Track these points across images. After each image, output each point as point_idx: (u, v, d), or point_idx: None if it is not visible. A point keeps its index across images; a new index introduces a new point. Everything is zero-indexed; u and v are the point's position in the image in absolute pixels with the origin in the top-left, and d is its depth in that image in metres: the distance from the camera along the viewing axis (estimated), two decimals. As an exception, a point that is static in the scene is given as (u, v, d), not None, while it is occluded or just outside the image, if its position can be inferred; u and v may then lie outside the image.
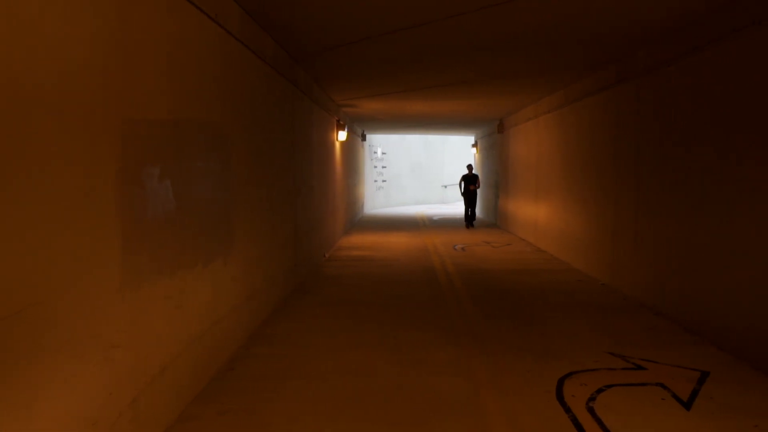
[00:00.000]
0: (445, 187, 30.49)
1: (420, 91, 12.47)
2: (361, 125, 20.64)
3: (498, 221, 19.69)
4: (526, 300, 8.52)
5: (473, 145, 24.07)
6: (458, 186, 19.74)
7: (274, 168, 8.01)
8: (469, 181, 18.99)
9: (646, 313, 7.67)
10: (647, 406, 4.70)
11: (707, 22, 6.36)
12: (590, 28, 7.06)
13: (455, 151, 29.96)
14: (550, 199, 12.97)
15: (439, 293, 8.96)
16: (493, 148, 20.37)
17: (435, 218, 22.43)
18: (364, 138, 22.58)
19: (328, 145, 13.45)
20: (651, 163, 7.90)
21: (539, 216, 13.93)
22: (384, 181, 28.27)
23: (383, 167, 28.13)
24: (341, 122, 14.56)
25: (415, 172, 30.39)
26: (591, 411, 4.58)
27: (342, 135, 14.59)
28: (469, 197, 19.04)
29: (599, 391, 5.00)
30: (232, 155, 6.11)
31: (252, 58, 6.85)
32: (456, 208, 26.40)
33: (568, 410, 4.61)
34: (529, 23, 6.91)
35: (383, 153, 28.05)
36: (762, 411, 4.63)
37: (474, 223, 19.26)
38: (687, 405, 4.73)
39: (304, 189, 10.23)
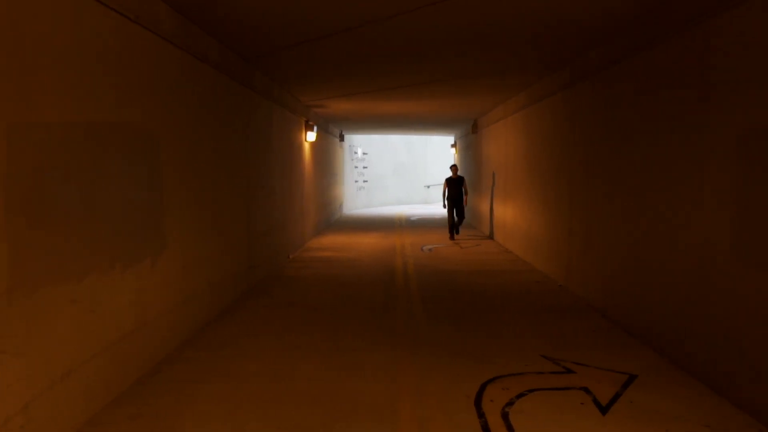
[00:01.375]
0: (428, 187, 30.46)
1: (387, 91, 12.42)
2: (338, 126, 20.57)
3: (473, 222, 19.65)
4: (478, 302, 8.48)
5: (452, 146, 24.03)
6: (442, 192, 16.29)
7: (222, 170, 7.94)
8: (455, 185, 15.92)
9: (594, 315, 7.64)
10: (564, 411, 4.66)
11: (637, 26, 6.33)
12: (535, 27, 7.01)
13: (438, 152, 29.92)
14: (516, 200, 12.94)
15: (392, 295, 8.91)
16: (470, 148, 20.33)
17: (413, 219, 22.38)
18: (342, 138, 22.52)
19: (295, 146, 13.39)
20: (599, 163, 7.87)
21: (507, 217, 13.91)
22: (365, 181, 28.21)
23: (364, 167, 28.07)
24: (310, 123, 14.50)
25: (398, 173, 30.34)
26: (505, 417, 4.54)
27: (311, 135, 14.53)
28: (456, 204, 15.87)
29: (520, 395, 4.95)
30: (163, 158, 6.04)
31: (191, 61, 6.79)
32: (438, 208, 26.36)
33: (481, 415, 4.56)
34: (477, 22, 6.83)
35: (364, 153, 28.00)
36: (677, 415, 4.59)
37: (459, 228, 16.20)
38: (604, 410, 4.68)
39: (262, 190, 10.17)
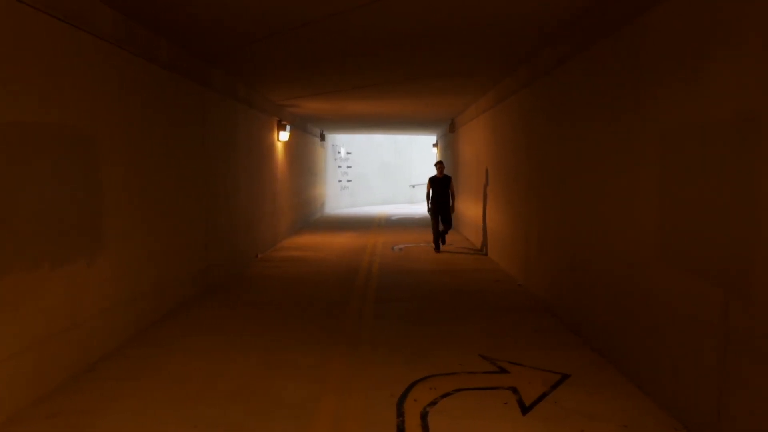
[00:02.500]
0: (413, 186, 30.45)
1: (361, 90, 12.37)
2: (318, 125, 20.55)
3: (456, 226, 19.62)
4: (434, 301, 8.48)
5: (434, 145, 24.04)
6: (426, 193, 13.73)
7: (174, 170, 7.91)
8: (440, 186, 13.39)
9: (545, 315, 7.64)
10: (485, 411, 4.65)
11: (579, 25, 6.34)
12: (490, 25, 6.96)
13: (423, 151, 29.89)
14: (486, 199, 12.95)
15: (349, 294, 8.90)
16: (449, 148, 20.33)
17: (393, 218, 22.38)
18: (323, 138, 22.50)
19: (265, 146, 13.37)
20: (550, 164, 7.88)
21: (479, 216, 13.91)
22: (349, 180, 28.21)
23: (348, 167, 28.06)
24: (283, 122, 14.48)
25: (383, 172, 30.34)
26: (423, 416, 4.53)
27: (284, 135, 14.51)
28: (441, 208, 13.36)
29: (446, 395, 4.95)
30: (102, 159, 6.03)
31: (136, 62, 6.76)
32: (421, 207, 26.35)
33: (400, 415, 4.56)
34: (431, 18, 6.76)
35: (348, 153, 27.99)
36: (597, 415, 4.59)
37: (445, 238, 13.77)
38: (526, 410, 4.68)
39: (224, 190, 10.15)
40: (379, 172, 30.20)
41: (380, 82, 11.46)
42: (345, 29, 7.35)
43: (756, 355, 3.54)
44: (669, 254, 4.62)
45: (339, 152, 27.04)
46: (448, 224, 13.50)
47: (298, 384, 5.26)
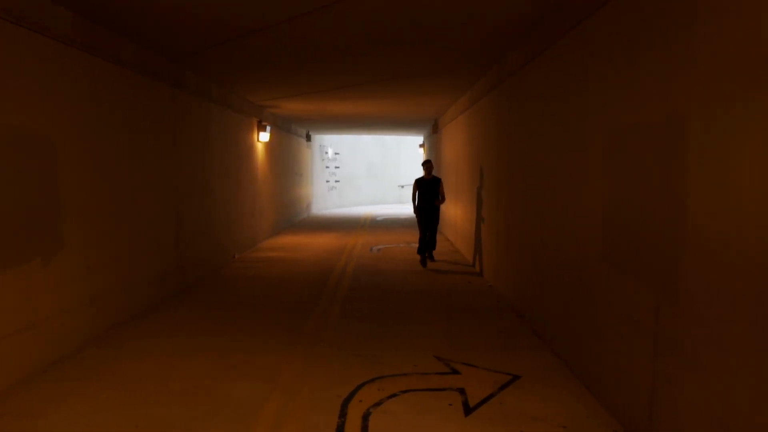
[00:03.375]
0: (402, 187, 30.49)
1: (342, 90, 12.35)
2: (304, 126, 20.56)
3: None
4: (403, 302, 8.50)
5: (420, 146, 24.08)
6: (411, 196, 11.91)
7: (141, 171, 7.93)
8: (428, 189, 11.49)
9: (510, 316, 7.68)
10: (428, 413, 4.69)
11: (537, 27, 6.38)
12: (458, 26, 7.00)
13: (411, 152, 29.95)
14: (463, 200, 13.00)
15: (319, 295, 8.93)
16: (433, 149, 20.37)
17: (379, 219, 22.41)
18: (309, 138, 22.52)
19: (244, 147, 13.39)
20: (515, 162, 7.93)
21: (458, 216, 13.96)
22: (337, 181, 28.24)
23: (336, 167, 28.09)
24: (263, 123, 14.50)
25: (371, 172, 30.37)
26: (365, 417, 4.57)
27: (264, 136, 14.53)
28: (429, 215, 11.52)
29: (392, 396, 4.98)
30: (61, 160, 6.05)
31: (98, 64, 6.78)
32: (408, 208, 26.37)
33: (343, 415, 4.60)
34: (399, 21, 6.80)
35: (336, 153, 28.01)
36: (539, 416, 4.62)
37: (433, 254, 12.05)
38: (469, 411, 4.72)
39: (197, 191, 10.17)
40: (368, 173, 30.23)
41: (359, 83, 11.47)
42: (308, 31, 7.36)
43: (681, 357, 3.59)
44: (610, 255, 4.67)
45: (326, 153, 27.06)
46: (432, 241, 11.66)
47: (250, 384, 5.29)
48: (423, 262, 11.45)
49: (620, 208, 4.50)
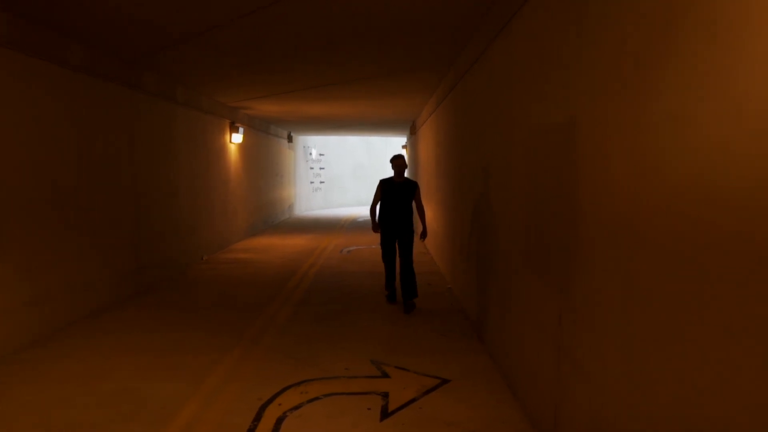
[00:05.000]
0: (388, 188, 30.42)
1: (311, 91, 12.32)
2: (285, 127, 20.56)
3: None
4: (358, 305, 8.46)
5: (403, 147, 24.09)
6: (371, 207, 8.82)
7: (92, 174, 7.90)
8: (398, 195, 8.29)
9: (458, 319, 7.66)
10: (343, 416, 4.67)
11: (478, 30, 6.39)
12: (401, 25, 7.00)
13: (397, 152, 29.94)
14: (432, 201, 13.01)
15: (274, 296, 8.92)
16: (412, 150, 20.39)
17: (360, 220, 22.41)
18: (290, 139, 22.51)
19: (214, 148, 13.37)
20: (468, 166, 7.93)
21: (429, 216, 13.94)
22: (322, 182, 28.24)
23: (321, 168, 28.09)
24: (236, 124, 14.49)
25: (357, 174, 30.36)
26: (279, 421, 4.55)
27: (236, 137, 14.52)
28: (398, 235, 8.31)
29: (313, 399, 4.98)
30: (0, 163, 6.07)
31: (39, 65, 6.76)
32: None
33: (257, 419, 4.59)
34: (351, 22, 6.78)
35: (320, 154, 28.01)
36: (456, 421, 4.59)
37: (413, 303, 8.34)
38: (386, 416, 4.70)
39: (159, 193, 10.16)
40: (354, 174, 30.22)
41: (323, 84, 11.44)
42: (251, 34, 7.37)
43: (574, 363, 3.59)
44: (529, 259, 4.67)
45: (311, 154, 27.06)
46: (410, 283, 8.02)
47: (176, 386, 5.29)
48: (390, 298, 8.46)
49: (538, 211, 4.50)
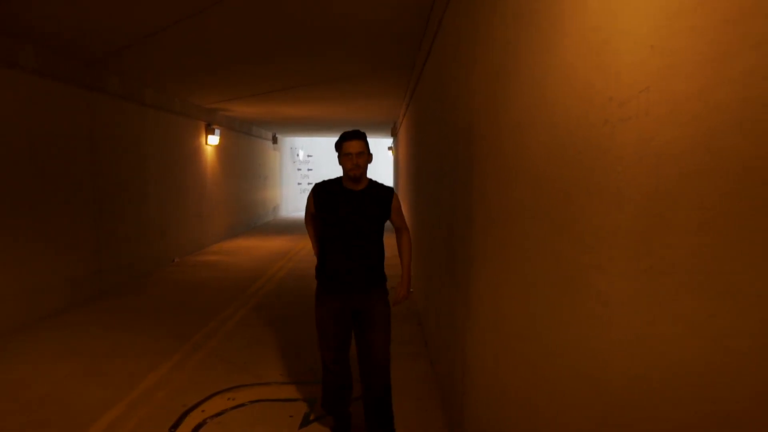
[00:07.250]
0: (378, 189, 30.35)
1: (291, 91, 12.24)
2: (269, 128, 20.52)
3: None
4: (312, 308, 8.41)
5: (389, 149, 24.03)
6: (305, 224, 4.62)
7: (48, 178, 7.85)
8: (356, 213, 4.06)
9: (412, 323, 7.63)
10: (262, 424, 4.60)
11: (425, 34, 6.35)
12: (350, 29, 6.98)
13: (388, 154, 29.88)
14: (405, 205, 12.95)
15: (233, 300, 8.87)
16: (395, 152, 20.35)
17: (345, 222, 22.34)
18: (275, 140, 22.48)
19: (188, 150, 13.33)
20: (423, 167, 7.89)
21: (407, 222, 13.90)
22: (309, 183, 28.19)
23: (309, 170, 28.05)
24: (212, 126, 14.45)
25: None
26: (197, 428, 4.50)
27: (213, 139, 14.48)
28: (352, 288, 4.28)
29: (238, 406, 4.92)
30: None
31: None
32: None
33: (175, 426, 4.54)
34: (311, 23, 6.73)
35: (308, 156, 27.98)
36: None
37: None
38: (307, 423, 4.65)
39: (124, 196, 10.10)
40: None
41: (292, 86, 11.39)
42: (206, 34, 7.32)
43: (470, 367, 3.54)
44: (448, 260, 4.62)
45: (298, 155, 27.02)
46: (384, 406, 4.16)
47: (106, 392, 5.24)
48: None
49: (453, 210, 4.46)
